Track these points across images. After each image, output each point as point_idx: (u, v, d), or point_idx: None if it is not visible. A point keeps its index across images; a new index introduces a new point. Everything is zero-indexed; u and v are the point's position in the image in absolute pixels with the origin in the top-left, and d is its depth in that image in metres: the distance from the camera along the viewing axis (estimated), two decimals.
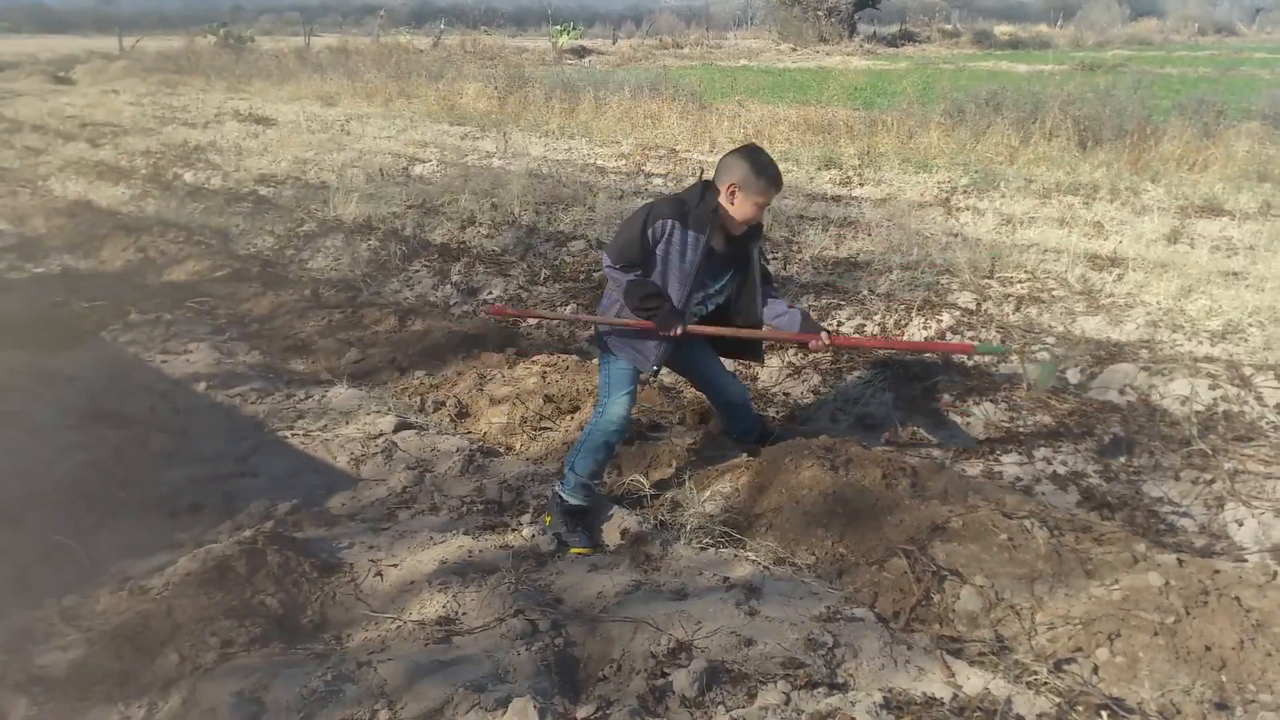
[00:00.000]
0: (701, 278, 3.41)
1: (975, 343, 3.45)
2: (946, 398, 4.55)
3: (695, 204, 3.32)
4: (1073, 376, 4.69)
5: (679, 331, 3.39)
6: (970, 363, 4.97)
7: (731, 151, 3.39)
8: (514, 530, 3.44)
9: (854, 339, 3.50)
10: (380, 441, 4.07)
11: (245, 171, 10.77)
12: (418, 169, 10.74)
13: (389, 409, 4.49)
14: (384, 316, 5.88)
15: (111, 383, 4.67)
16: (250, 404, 4.55)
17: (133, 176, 10.76)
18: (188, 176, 10.77)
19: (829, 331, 3.49)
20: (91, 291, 6.38)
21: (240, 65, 23.87)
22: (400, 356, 5.28)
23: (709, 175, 3.45)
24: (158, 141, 13.11)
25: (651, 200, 3.65)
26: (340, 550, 3.25)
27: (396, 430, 4.19)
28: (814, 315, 3.68)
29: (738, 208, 3.32)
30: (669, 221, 3.30)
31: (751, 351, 3.87)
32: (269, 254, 7.86)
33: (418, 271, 7.03)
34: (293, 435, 4.18)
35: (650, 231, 3.32)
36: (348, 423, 4.31)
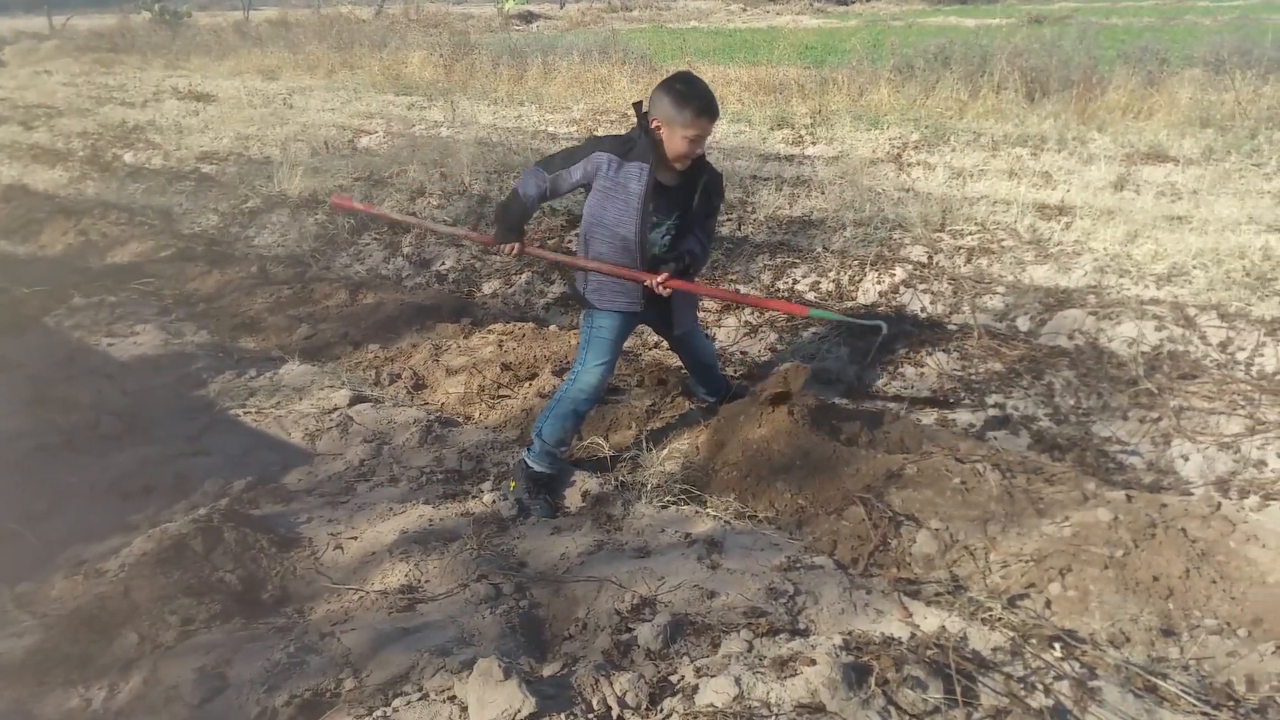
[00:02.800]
0: (653, 212, 3.26)
1: (809, 307, 3.40)
2: (900, 349, 4.60)
3: (636, 136, 3.20)
4: (1023, 324, 4.76)
5: (512, 248, 3.28)
6: (923, 314, 5.03)
7: (659, 84, 3.20)
8: (475, 498, 3.43)
9: (690, 284, 3.37)
10: (335, 416, 4.03)
11: (186, 150, 10.50)
12: (364, 140, 10.55)
13: (343, 383, 4.44)
14: (334, 291, 5.79)
15: (57, 368, 4.56)
16: (200, 383, 4.47)
17: (70, 159, 10.44)
18: (127, 157, 10.48)
19: (669, 275, 3.25)
20: (32, 276, 6.20)
21: (177, 41, 23.14)
22: (353, 330, 5.22)
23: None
24: (95, 122, 12.71)
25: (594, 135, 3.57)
26: (299, 525, 3.22)
27: (351, 404, 4.14)
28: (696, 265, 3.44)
29: (667, 144, 3.16)
30: (605, 157, 3.18)
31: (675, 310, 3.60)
32: (214, 232, 7.69)
33: (367, 245, 6.93)
34: (245, 413, 4.12)
35: (580, 166, 3.21)
36: (301, 399, 4.26)
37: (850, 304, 5.27)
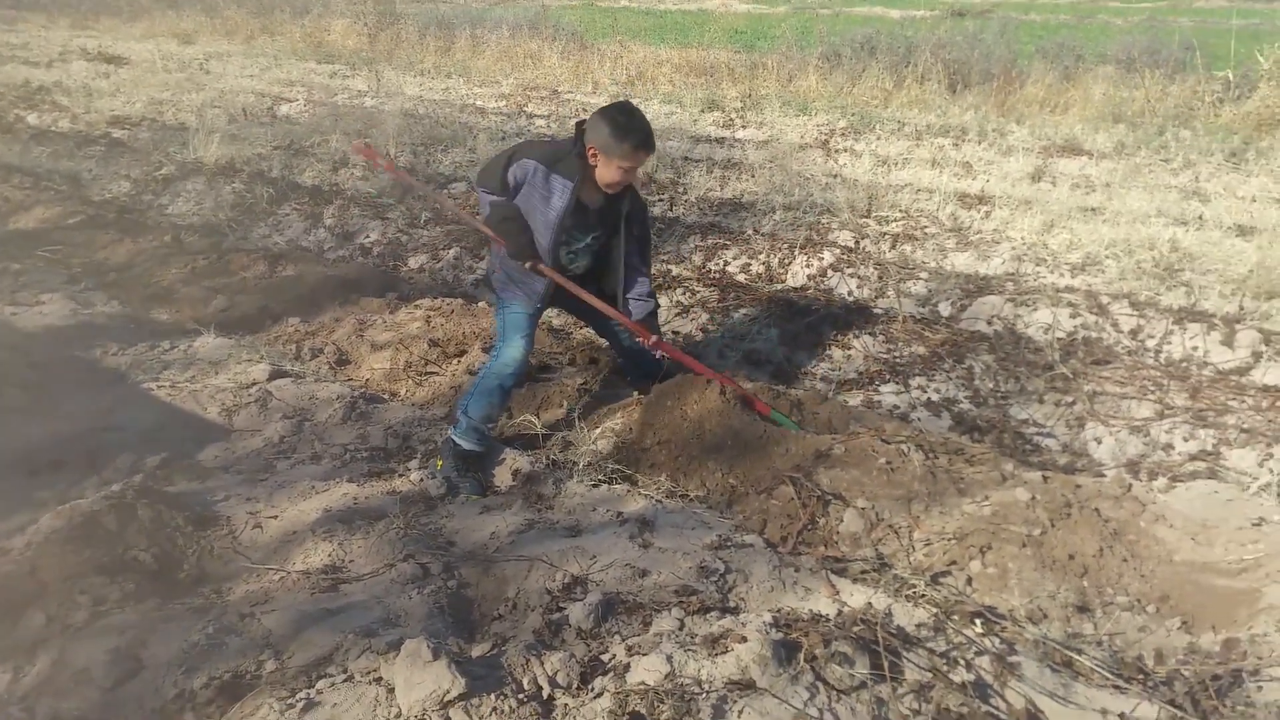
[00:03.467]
0: (570, 229, 3.33)
1: (771, 409, 3.59)
2: (828, 332, 4.66)
3: (568, 151, 3.22)
4: (945, 309, 4.87)
5: (530, 264, 3.32)
6: (850, 298, 5.11)
7: (600, 109, 3.23)
8: (401, 476, 3.36)
9: (677, 353, 3.59)
10: (254, 391, 3.89)
11: (96, 113, 10.02)
12: (284, 108, 10.21)
13: (262, 357, 4.29)
14: (253, 262, 5.61)
15: None
16: (111, 356, 4.28)
17: None
18: (31, 119, 9.95)
19: (659, 338, 3.53)
20: None
21: (86, 1, 22.08)
22: (272, 303, 5.06)
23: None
24: None
25: (530, 139, 3.57)
26: (216, 503, 3.11)
27: (271, 379, 4.01)
28: (660, 311, 3.69)
29: (600, 171, 3.20)
30: (533, 164, 3.21)
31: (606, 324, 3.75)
32: (125, 199, 7.36)
33: (287, 215, 6.71)
34: (159, 387, 3.95)
35: (512, 170, 3.24)
36: (218, 373, 4.11)
37: (780, 286, 5.32)
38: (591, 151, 3.18)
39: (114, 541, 2.70)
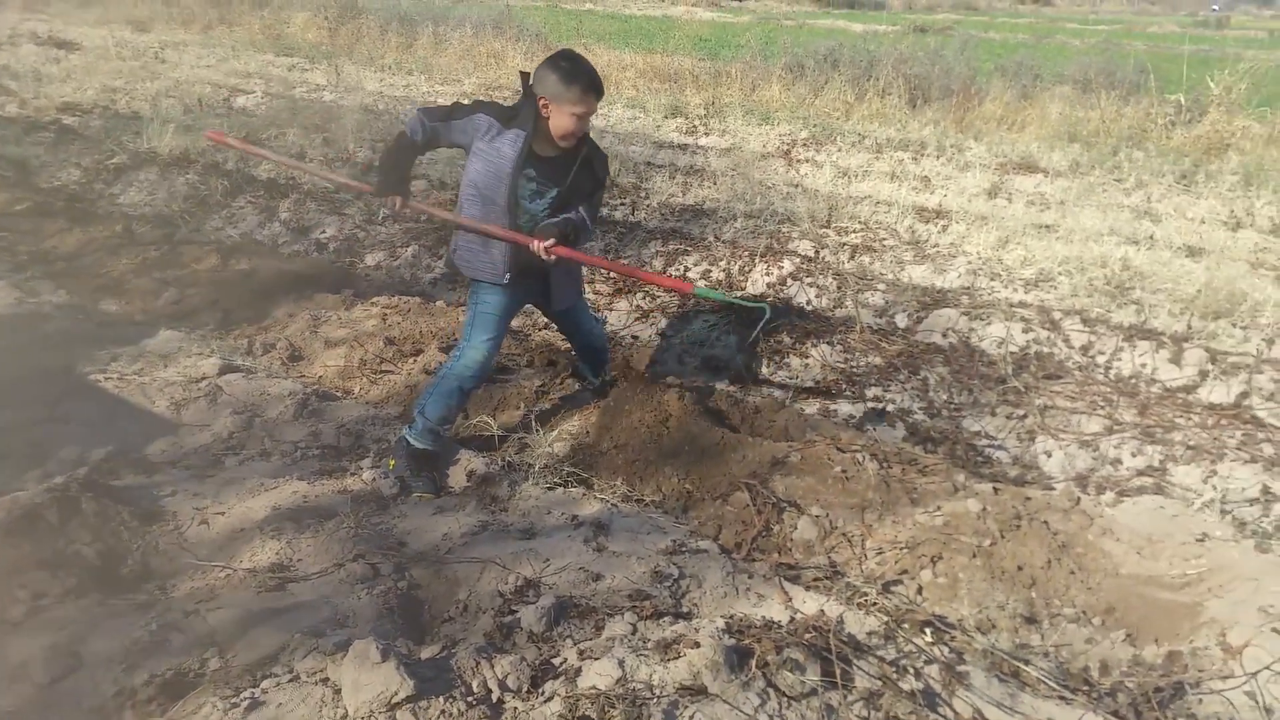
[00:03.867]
0: (532, 182, 3.24)
1: (695, 284, 3.44)
2: (786, 340, 4.69)
3: (522, 108, 3.17)
4: (901, 320, 4.93)
5: (396, 203, 3.28)
6: (809, 307, 5.15)
7: (544, 60, 3.17)
8: (353, 475, 3.31)
9: (576, 253, 3.35)
10: (203, 385, 3.82)
11: (46, 99, 9.76)
12: (240, 100, 10.04)
13: (212, 351, 4.21)
14: (205, 255, 5.50)
15: None
16: (58, 346, 4.15)
17: None
18: None
19: (555, 240, 3.19)
20: None
21: None
22: (224, 297, 4.96)
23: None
24: None
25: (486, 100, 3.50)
26: (162, 498, 3.03)
27: (221, 373, 3.93)
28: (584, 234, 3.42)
29: (554, 121, 3.13)
30: (484, 119, 3.17)
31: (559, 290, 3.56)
32: (75, 188, 7.18)
33: (242, 208, 6.60)
34: (106, 379, 3.85)
35: (460, 121, 3.20)
36: (166, 366, 4.02)
37: (739, 293, 5.34)
38: (543, 102, 3.12)
39: (56, 535, 2.62)
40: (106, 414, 3.59)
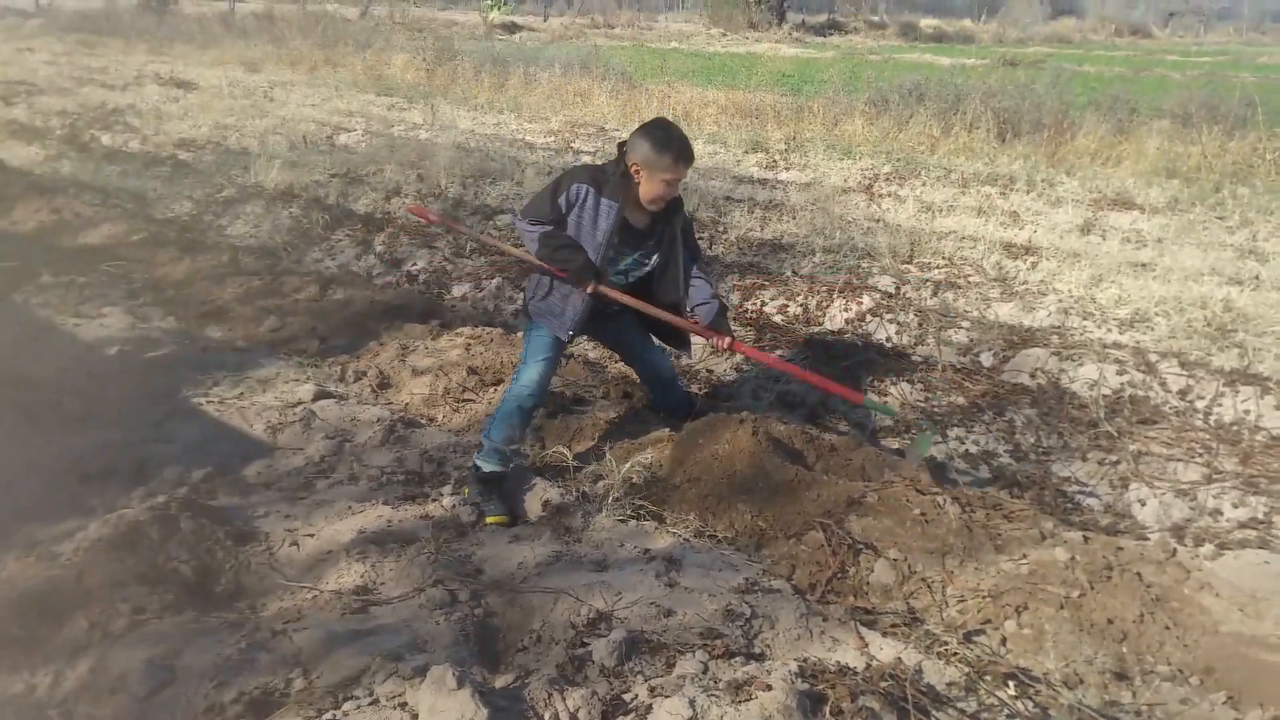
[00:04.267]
0: (618, 247, 3.39)
1: (866, 396, 3.60)
2: (864, 377, 4.64)
3: (612, 172, 3.30)
4: (986, 359, 4.83)
5: (592, 287, 3.36)
6: (888, 344, 5.09)
7: (637, 128, 3.34)
8: (434, 501, 3.40)
9: (753, 351, 3.59)
10: (298, 410, 3.98)
11: (165, 135, 10.38)
12: (342, 138, 10.48)
13: (308, 378, 4.38)
14: (304, 285, 5.73)
15: (22, 345, 4.50)
16: (165, 370, 4.39)
17: (48, 137, 10.29)
18: (105, 139, 10.33)
19: (733, 337, 3.53)
20: (2, 252, 6.09)
21: (162, 28, 22.96)
22: (321, 325, 5.16)
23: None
24: (74, 102, 12.52)
25: (572, 166, 3.64)
26: (255, 519, 3.17)
27: (315, 399, 4.09)
28: (731, 311, 3.66)
29: (644, 187, 3.28)
30: (583, 187, 3.28)
31: (677, 340, 3.78)
32: (187, 219, 7.59)
33: (340, 241, 6.87)
34: (208, 402, 4.05)
35: (564, 196, 3.30)
36: (265, 391, 4.20)
37: (817, 329, 5.31)
38: (635, 168, 3.26)
39: (156, 552, 2.76)
40: (207, 436, 3.77)
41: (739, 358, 5.00)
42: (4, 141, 10.04)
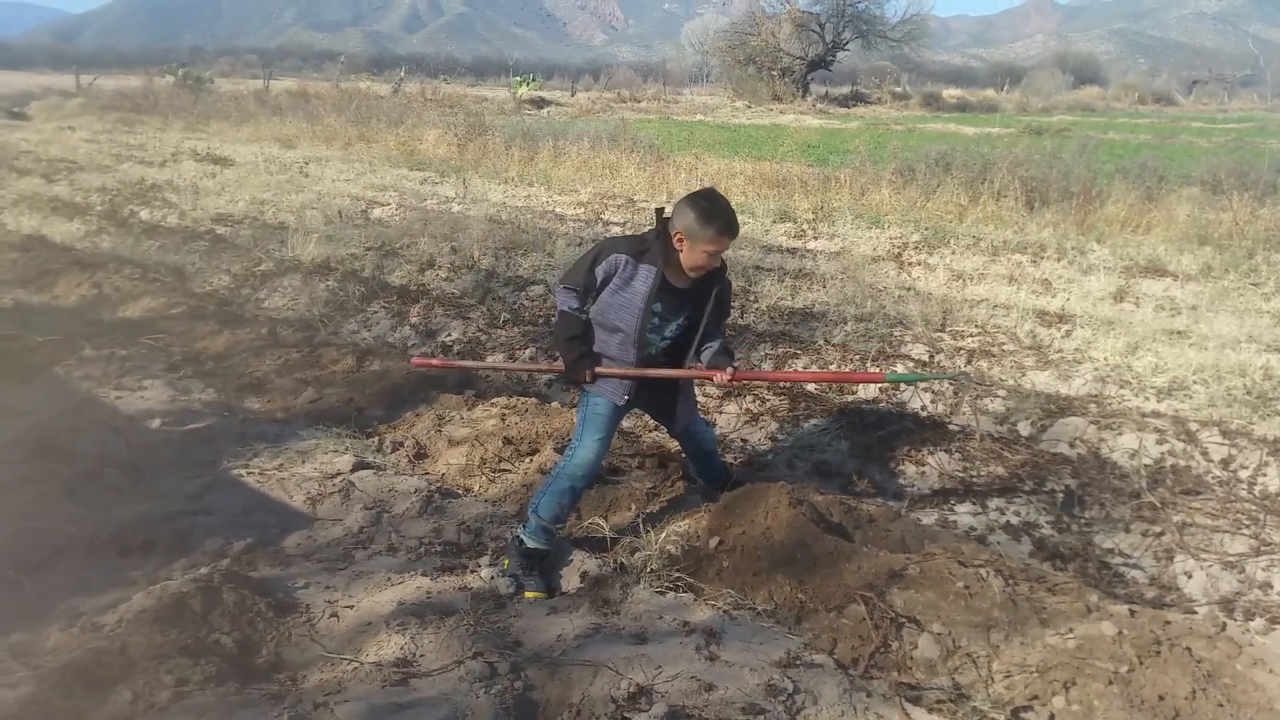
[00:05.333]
0: (660, 313, 3.40)
1: (886, 371, 3.51)
2: (901, 446, 4.62)
3: (653, 238, 3.33)
4: (1024, 429, 4.79)
5: (586, 377, 3.40)
6: (924, 413, 5.07)
7: (684, 197, 3.35)
8: (472, 572, 3.40)
9: (755, 374, 3.51)
10: (337, 481, 4.02)
11: (202, 210, 10.67)
12: (377, 212, 10.73)
13: (346, 449, 4.43)
14: (341, 356, 5.83)
15: (64, 417, 4.57)
16: (205, 441, 4.46)
17: (88, 213, 10.62)
18: (144, 214, 10.64)
19: (734, 370, 3.43)
20: (45, 326, 6.25)
21: (199, 106, 23.78)
22: (358, 396, 5.23)
23: (670, 212, 3.42)
24: (114, 179, 12.96)
25: (612, 235, 3.68)
26: (296, 590, 3.18)
27: (354, 470, 4.14)
28: (739, 355, 3.58)
29: (686, 255, 3.29)
30: (621, 257, 3.31)
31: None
32: (225, 293, 7.77)
33: (376, 313, 6.99)
34: (248, 474, 4.10)
35: (602, 266, 3.33)
36: (304, 462, 4.25)
37: (851, 397, 5.31)
38: (678, 237, 3.27)
39: (199, 624, 2.78)
40: (248, 506, 3.81)
41: (773, 426, 5.00)
42: (47, 218, 10.38)
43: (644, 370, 3.49)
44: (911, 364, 5.54)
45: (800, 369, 5.67)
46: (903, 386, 5.28)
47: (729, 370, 3.40)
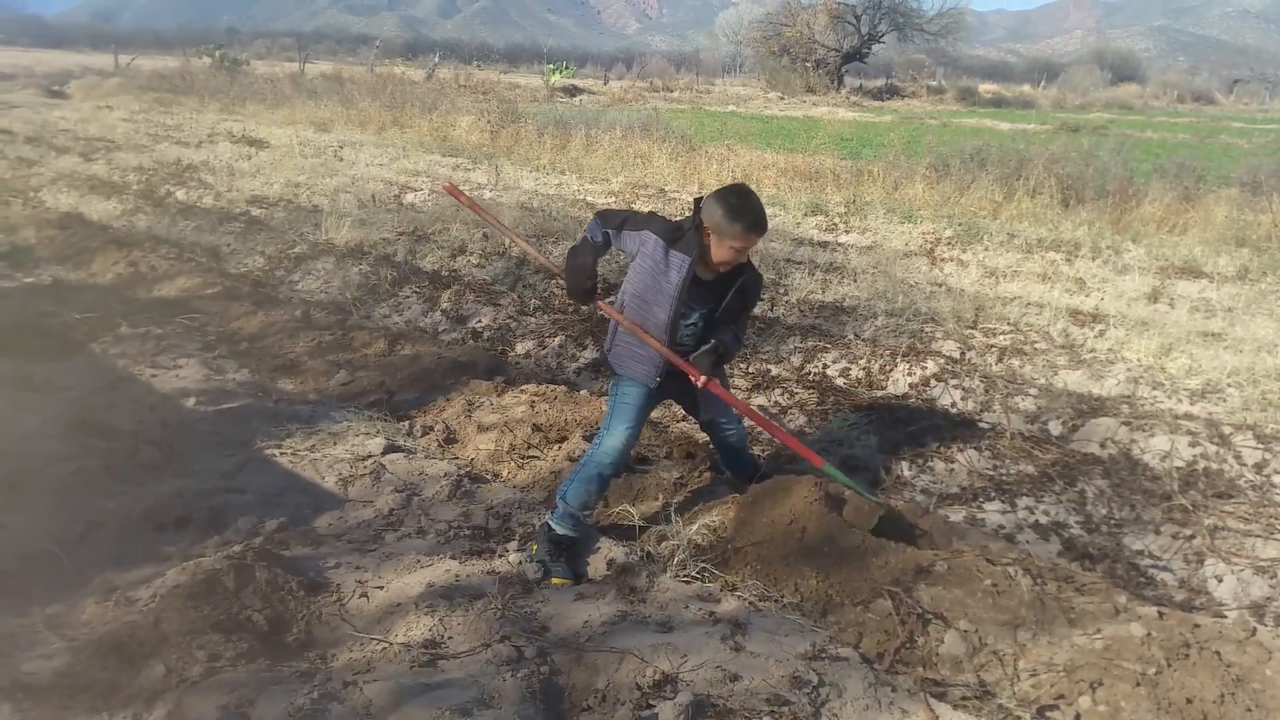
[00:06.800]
0: (689, 302, 3.40)
1: (826, 462, 3.58)
2: (930, 443, 4.60)
3: (688, 227, 3.33)
4: (1055, 428, 4.76)
5: (585, 301, 3.44)
6: (954, 410, 5.04)
7: (715, 191, 3.34)
8: (500, 557, 3.43)
9: (725, 394, 3.54)
10: (368, 463, 4.06)
11: (237, 192, 10.79)
12: (409, 197, 10.79)
13: (378, 431, 4.48)
14: (374, 340, 5.88)
15: (100, 394, 4.64)
16: (238, 421, 4.52)
17: (125, 192, 10.75)
18: (180, 194, 10.77)
19: (710, 377, 3.43)
20: (82, 303, 6.34)
21: (235, 87, 24.00)
22: (389, 380, 5.28)
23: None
24: (150, 159, 13.11)
25: (652, 212, 3.66)
26: (327, 570, 3.23)
27: (385, 453, 4.18)
28: (727, 355, 3.59)
29: (714, 249, 3.29)
30: (651, 238, 3.32)
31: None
32: (259, 274, 7.85)
33: (408, 297, 7.05)
34: (281, 454, 4.16)
35: (635, 233, 3.35)
36: (336, 443, 4.30)
37: (880, 393, 5.29)
38: (706, 230, 3.28)
39: (231, 600, 2.83)
40: (280, 486, 3.87)
41: (801, 419, 5.00)
42: (84, 196, 10.52)
43: (646, 336, 3.44)
44: (942, 360, 5.51)
45: (829, 363, 5.66)
46: (933, 386, 5.25)
47: (704, 378, 3.42)
